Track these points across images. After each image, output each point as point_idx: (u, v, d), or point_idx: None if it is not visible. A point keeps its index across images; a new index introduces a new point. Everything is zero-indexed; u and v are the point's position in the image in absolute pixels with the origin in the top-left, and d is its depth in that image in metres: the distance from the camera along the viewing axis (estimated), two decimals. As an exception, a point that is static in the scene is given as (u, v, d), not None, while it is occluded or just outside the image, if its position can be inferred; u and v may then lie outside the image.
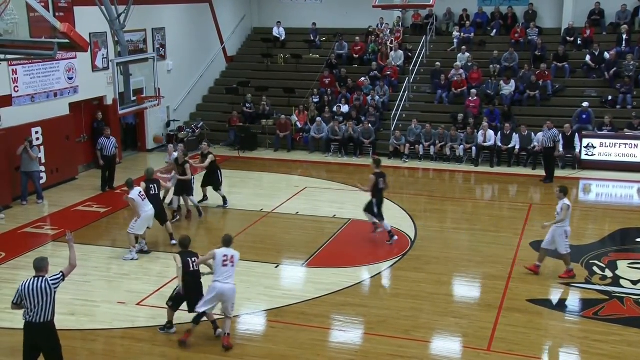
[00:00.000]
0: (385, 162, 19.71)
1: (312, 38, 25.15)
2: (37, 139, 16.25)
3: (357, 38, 24.20)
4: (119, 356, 8.89)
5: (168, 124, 22.03)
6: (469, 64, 21.93)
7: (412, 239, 13.10)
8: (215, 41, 24.85)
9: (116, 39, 14.50)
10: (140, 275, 11.42)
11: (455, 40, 23.45)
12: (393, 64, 22.93)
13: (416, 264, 11.91)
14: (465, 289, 11.18)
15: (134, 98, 14.18)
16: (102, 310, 10.07)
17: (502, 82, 21.01)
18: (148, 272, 11.56)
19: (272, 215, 14.73)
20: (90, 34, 17.71)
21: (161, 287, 10.82)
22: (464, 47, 22.57)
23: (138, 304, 10.25)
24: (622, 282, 10.84)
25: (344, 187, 17.07)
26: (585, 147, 18.46)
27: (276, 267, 11.85)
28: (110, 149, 16.63)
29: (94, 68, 18.64)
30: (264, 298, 10.48)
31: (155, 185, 12.64)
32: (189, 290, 9.01)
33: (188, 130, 21.64)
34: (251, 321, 9.88)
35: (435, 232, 13.77)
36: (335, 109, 21.67)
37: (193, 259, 9.10)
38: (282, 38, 25.67)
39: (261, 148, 21.58)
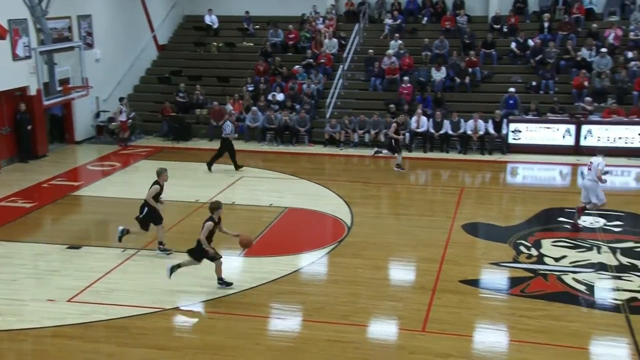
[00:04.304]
0: (321, 149, 20.00)
1: (246, 26, 24.94)
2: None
3: (291, 26, 24.16)
4: (51, 355, 8.65)
5: (97, 115, 21.45)
6: (401, 52, 22.27)
7: (349, 226, 13.26)
8: (145, 29, 24.31)
9: (38, 26, 13.98)
10: (71, 271, 11.13)
11: (387, 28, 23.75)
12: (327, 51, 23.03)
13: (353, 249, 12.08)
14: (401, 273, 11.43)
15: (60, 88, 13.76)
16: (31, 309, 9.75)
17: (433, 69, 21.45)
18: (79, 268, 11.28)
19: (208, 205, 14.58)
20: (9, 20, 16.91)
21: (93, 283, 10.59)
22: (396, 35, 22.89)
23: (69, 301, 10.00)
24: (546, 259, 11.33)
25: (281, 176, 17.11)
26: (512, 132, 19.12)
27: (213, 257, 11.77)
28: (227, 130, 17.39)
29: (15, 57, 17.78)
30: (201, 289, 10.40)
31: None
32: None
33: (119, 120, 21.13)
34: (188, 313, 9.81)
35: (371, 218, 13.97)
36: (270, 97, 21.62)
37: None
38: (215, 26, 25.34)
39: (196, 138, 21.33)
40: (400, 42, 22.58)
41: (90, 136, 21.21)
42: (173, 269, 10.33)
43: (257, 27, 25.18)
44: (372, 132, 19.99)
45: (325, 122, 20.63)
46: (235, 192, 15.60)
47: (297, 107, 21.04)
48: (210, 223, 10.08)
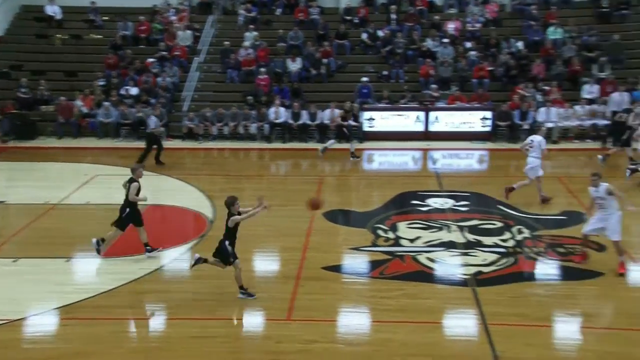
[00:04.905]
0: (179, 144, 19.56)
1: (92, 18, 23.73)
2: None
3: (142, 17, 23.33)
4: None
5: None
6: (257, 43, 22.29)
7: (211, 220, 13.11)
8: (-25, 19, 22.35)
9: None
10: None
11: (241, 19, 23.65)
12: (181, 44, 22.52)
13: (216, 244, 11.89)
14: (265, 264, 11.48)
15: None
16: None
17: (288, 60, 21.69)
18: None
19: (59, 207, 13.80)
20: None
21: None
22: (251, 26, 22.86)
23: None
24: (402, 241, 11.89)
25: (138, 173, 16.52)
26: (366, 120, 19.84)
27: (66, 261, 11.14)
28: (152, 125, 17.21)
29: None
30: (54, 295, 9.79)
31: None
32: None
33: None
34: (40, 322, 9.15)
35: (234, 211, 13.88)
36: (123, 91, 20.80)
37: None
38: (58, 17, 23.85)
39: (42, 136, 20.04)
40: (255, 33, 22.58)
41: None
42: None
43: (106, 18, 24.04)
44: (231, 124, 19.88)
45: (182, 116, 20.20)
46: (89, 192, 14.88)
47: (153, 101, 20.41)
48: (235, 217, 9.47)
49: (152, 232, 12.53)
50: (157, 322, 9.25)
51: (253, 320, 9.34)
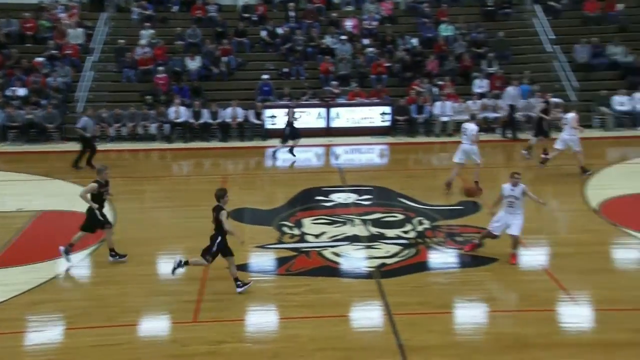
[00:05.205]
0: (74, 146, 18.68)
1: (-28, 14, 22.28)
2: None
3: (27, 14, 22.13)
4: None
5: None
6: (154, 41, 21.73)
7: (111, 224, 12.62)
8: None
9: None
10: None
11: (135, 17, 22.98)
12: (72, 42, 21.58)
13: (118, 248, 11.53)
14: (169, 266, 11.11)
15: None
16: None
17: (187, 58, 21.29)
18: None
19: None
20: None
21: None
22: (147, 24, 22.25)
23: None
24: (307, 237, 11.97)
25: (30, 177, 15.73)
26: (269, 117, 19.81)
27: (-52, 275, 10.41)
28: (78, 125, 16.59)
29: None
30: None
31: None
32: None
33: None
34: None
35: (135, 214, 13.52)
36: (9, 92, 19.69)
37: None
38: None
39: None
40: (151, 31, 22.01)
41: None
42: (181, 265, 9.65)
43: (-14, 14, 22.63)
44: (129, 125, 19.28)
45: (76, 117, 19.33)
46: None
47: (44, 102, 19.44)
48: (225, 212, 9.41)
49: (49, 239, 12.00)
50: (52, 334, 8.81)
51: (158, 325, 9.12)
